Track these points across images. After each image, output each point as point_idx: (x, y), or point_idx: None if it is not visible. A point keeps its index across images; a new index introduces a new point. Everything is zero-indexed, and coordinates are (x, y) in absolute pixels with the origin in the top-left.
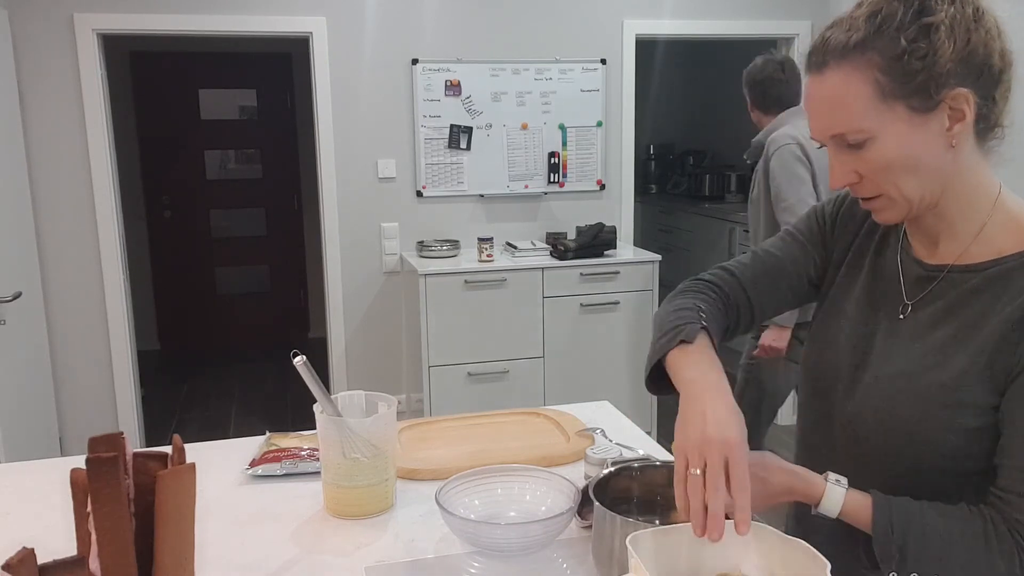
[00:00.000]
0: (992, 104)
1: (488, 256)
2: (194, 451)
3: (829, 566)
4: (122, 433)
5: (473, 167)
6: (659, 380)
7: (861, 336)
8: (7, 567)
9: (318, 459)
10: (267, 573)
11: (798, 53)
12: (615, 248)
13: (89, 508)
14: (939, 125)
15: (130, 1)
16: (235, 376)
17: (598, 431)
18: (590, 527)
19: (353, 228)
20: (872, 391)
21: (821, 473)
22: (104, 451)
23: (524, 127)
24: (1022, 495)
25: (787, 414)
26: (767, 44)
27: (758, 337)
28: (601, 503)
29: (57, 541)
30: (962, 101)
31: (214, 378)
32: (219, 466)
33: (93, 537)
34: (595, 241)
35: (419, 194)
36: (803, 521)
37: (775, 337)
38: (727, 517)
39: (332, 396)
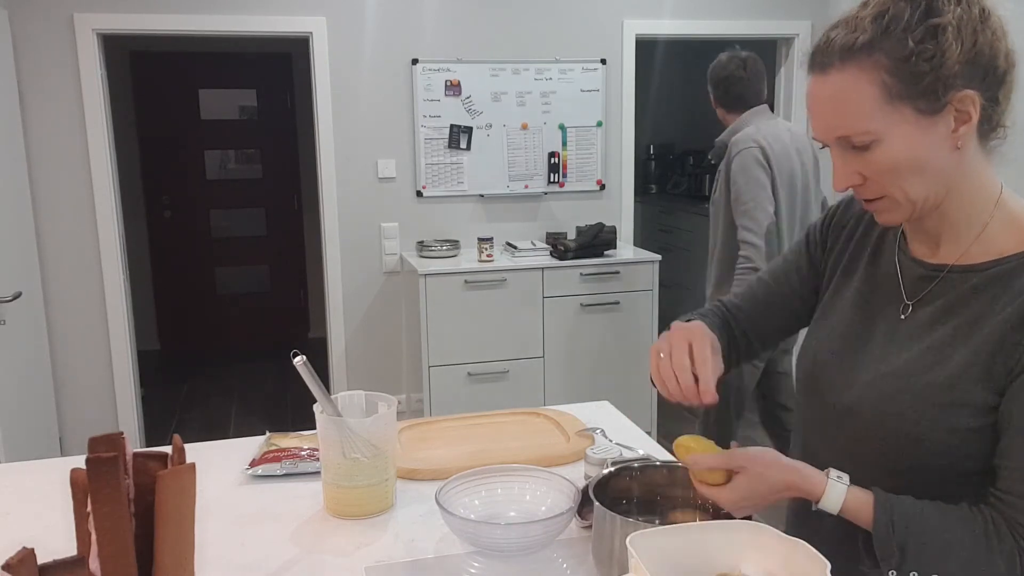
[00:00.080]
0: (996, 105)
1: (488, 256)
2: (194, 451)
3: (829, 566)
4: (122, 433)
5: (473, 167)
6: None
7: (858, 337)
8: (7, 567)
9: (318, 459)
10: (267, 573)
11: (798, 53)
12: (615, 248)
13: (89, 508)
14: (945, 127)
15: (130, 1)
16: (235, 376)
17: (598, 431)
18: (590, 527)
19: (353, 228)
20: (870, 390)
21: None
22: (104, 451)
23: (524, 127)
24: (1021, 495)
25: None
26: (767, 44)
27: (760, 359)
28: (601, 503)
29: (57, 541)
30: (968, 103)
31: (214, 378)
32: (219, 466)
33: (93, 537)
34: (595, 241)
35: (419, 194)
36: (803, 521)
37: None
38: (723, 515)
39: (332, 396)
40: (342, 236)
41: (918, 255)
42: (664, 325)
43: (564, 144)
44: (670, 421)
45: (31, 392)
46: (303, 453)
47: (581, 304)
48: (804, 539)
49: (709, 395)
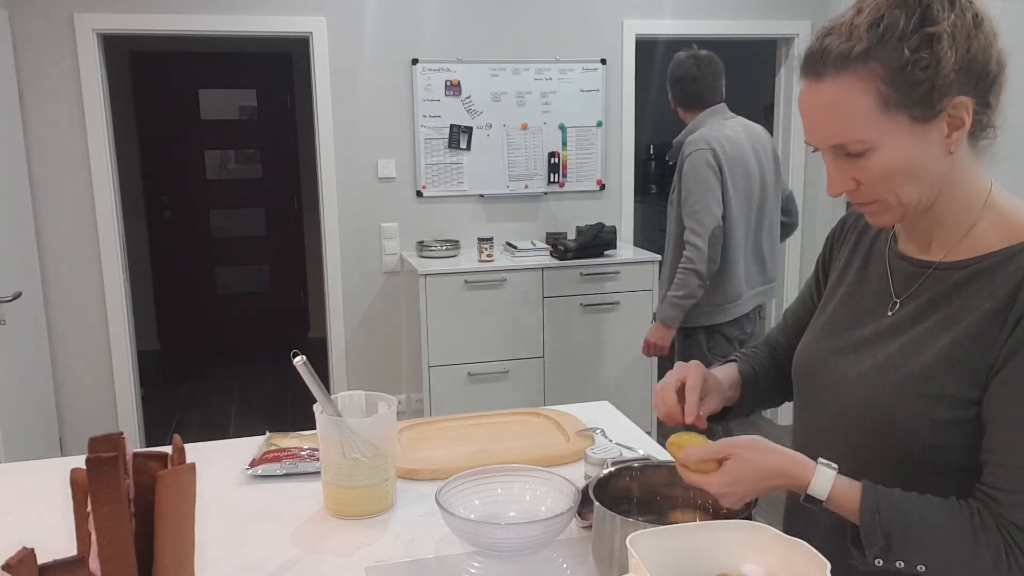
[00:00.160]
0: (987, 108)
1: (488, 256)
2: (194, 451)
3: (829, 566)
4: (122, 433)
5: (473, 167)
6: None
7: (848, 335)
8: (7, 567)
9: (318, 459)
10: (267, 573)
11: (798, 53)
12: (615, 248)
13: (89, 508)
14: (938, 133)
15: (130, 1)
16: (235, 376)
17: (598, 431)
18: (590, 527)
19: (353, 228)
20: (857, 387)
21: None
22: (104, 451)
23: (524, 127)
24: (1006, 490)
25: (786, 414)
26: (767, 44)
27: (724, 356)
28: (601, 503)
29: (57, 541)
30: (962, 110)
31: (214, 378)
32: (219, 466)
33: (93, 537)
34: (595, 241)
35: (419, 194)
36: (802, 520)
37: (658, 336)
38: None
39: (332, 396)
40: (342, 236)
41: (908, 253)
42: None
43: (564, 144)
44: None
45: (31, 392)
46: (303, 453)
47: (581, 304)
48: (803, 539)
49: (690, 417)
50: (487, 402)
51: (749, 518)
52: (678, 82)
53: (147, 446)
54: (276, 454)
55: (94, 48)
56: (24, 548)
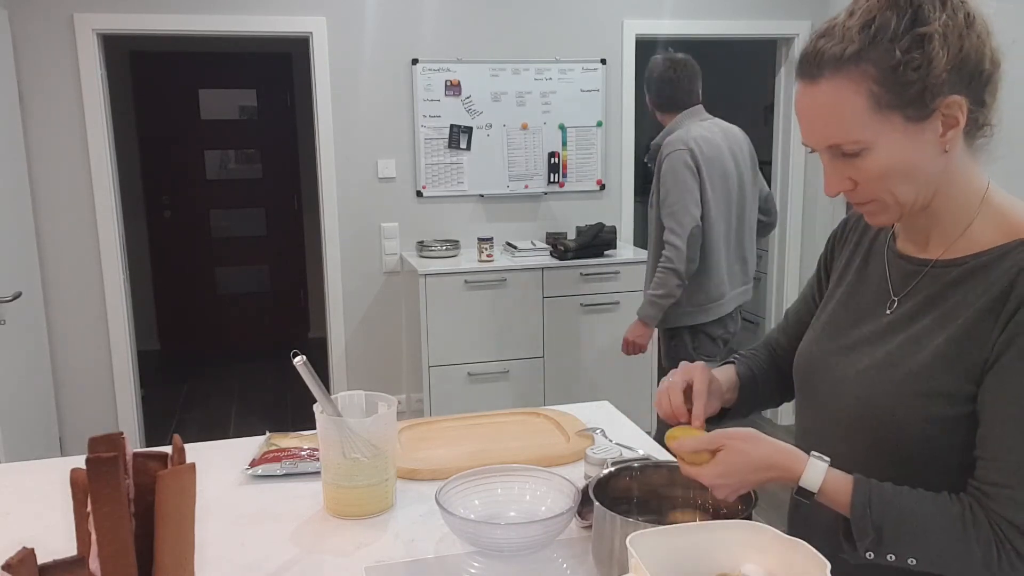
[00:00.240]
0: (982, 106)
1: (488, 256)
2: (194, 451)
3: (829, 566)
4: (122, 433)
5: (473, 167)
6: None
7: (847, 334)
8: (7, 567)
9: (318, 459)
10: (267, 573)
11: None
12: (615, 248)
13: (89, 508)
14: (933, 132)
15: (130, 1)
16: (235, 376)
17: (598, 431)
18: (590, 527)
19: (353, 228)
20: (855, 385)
21: None
22: (104, 451)
23: (524, 127)
24: (998, 485)
25: (787, 414)
26: (767, 44)
27: (710, 356)
28: (601, 503)
29: (57, 541)
30: (956, 108)
31: (214, 378)
32: (219, 466)
33: (93, 537)
34: (595, 241)
35: (419, 194)
36: (803, 520)
37: (637, 334)
38: (723, 515)
39: (332, 396)
40: (342, 236)
41: (906, 251)
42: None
43: (564, 144)
44: None
45: (31, 392)
46: (303, 453)
47: (581, 304)
48: (804, 539)
49: (697, 421)
50: (487, 402)
51: (749, 518)
52: (653, 85)
53: (147, 446)
54: (276, 454)
55: (94, 48)
56: (24, 548)
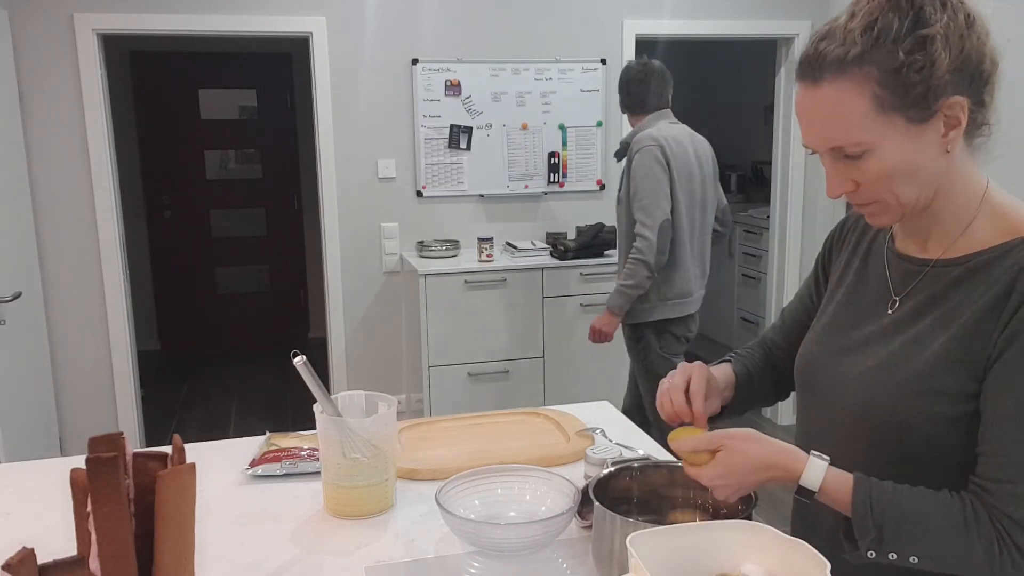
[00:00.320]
0: (982, 106)
1: (488, 256)
2: (194, 451)
3: (829, 566)
4: (122, 433)
5: (473, 167)
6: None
7: (848, 335)
8: (7, 567)
9: (318, 459)
10: (267, 573)
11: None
12: (615, 248)
13: (89, 508)
14: (935, 133)
15: (130, 1)
16: (235, 376)
17: (598, 431)
18: (590, 527)
19: (353, 228)
20: (857, 386)
21: None
22: (104, 451)
23: (524, 127)
24: (999, 480)
25: (788, 414)
26: (767, 44)
27: (676, 353)
28: (601, 503)
29: (57, 541)
30: (958, 109)
31: (214, 378)
32: (219, 466)
33: (93, 537)
34: (595, 241)
35: (419, 194)
36: (805, 521)
37: (604, 322)
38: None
39: (332, 396)
40: (342, 236)
41: (906, 251)
42: None
43: (564, 144)
44: None
45: (31, 392)
46: (303, 453)
47: (581, 304)
48: (805, 539)
49: (699, 420)
50: (487, 402)
51: (749, 518)
52: (625, 86)
53: (147, 446)
54: (276, 454)
55: (94, 48)
56: (24, 548)
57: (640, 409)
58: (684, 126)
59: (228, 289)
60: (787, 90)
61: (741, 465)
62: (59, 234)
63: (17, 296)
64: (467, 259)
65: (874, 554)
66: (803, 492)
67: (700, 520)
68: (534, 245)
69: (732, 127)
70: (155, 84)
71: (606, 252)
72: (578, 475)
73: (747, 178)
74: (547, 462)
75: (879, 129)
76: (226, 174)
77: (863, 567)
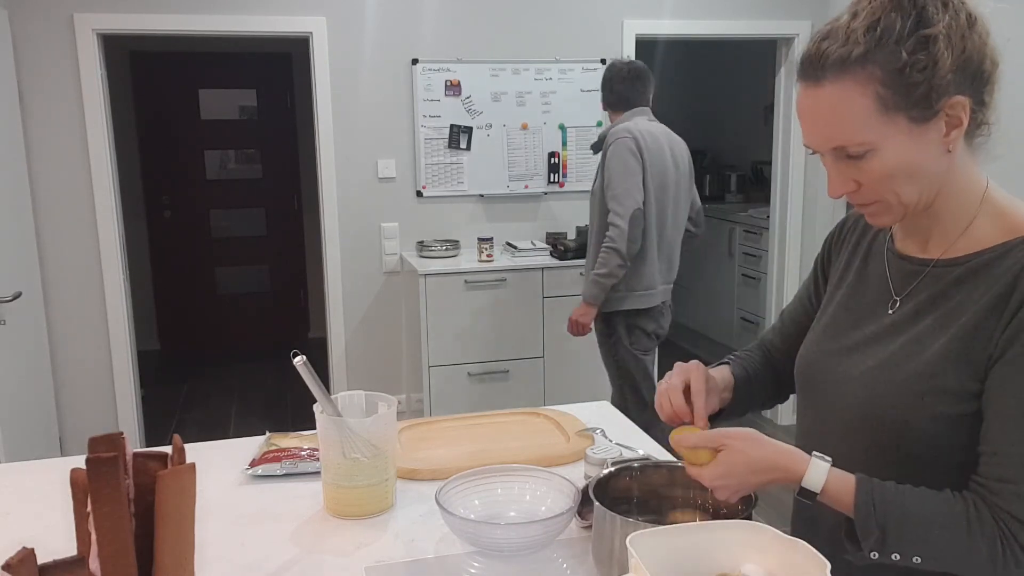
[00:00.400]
0: (982, 105)
1: (488, 256)
2: (194, 451)
3: (829, 566)
4: (122, 433)
5: (473, 167)
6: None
7: (848, 335)
8: (7, 567)
9: (318, 459)
10: (267, 573)
11: (798, 54)
12: None
13: (89, 508)
14: (936, 133)
15: (130, 1)
16: (235, 376)
17: (598, 431)
18: (590, 527)
19: (353, 228)
20: (858, 386)
21: None
22: (104, 451)
23: (524, 127)
24: (1002, 480)
25: (788, 414)
26: (767, 44)
27: (646, 350)
28: (601, 503)
29: (57, 541)
30: (960, 109)
31: (214, 378)
32: (219, 466)
33: (93, 537)
34: None
35: (419, 194)
36: (805, 522)
37: (581, 313)
38: (723, 515)
39: (332, 396)
40: (342, 236)
41: (906, 251)
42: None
43: (564, 144)
44: None
45: (31, 392)
46: (303, 453)
47: None
48: (805, 539)
49: (700, 421)
50: (487, 402)
51: (749, 518)
52: (608, 83)
53: (147, 446)
54: (276, 454)
55: (94, 48)
56: (24, 548)
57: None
58: (662, 125)
59: (228, 289)
60: (787, 90)
61: (742, 466)
62: (59, 234)
63: (17, 296)
64: (467, 259)
65: (877, 555)
66: (805, 494)
67: (700, 520)
68: (534, 245)
69: (732, 127)
70: (155, 84)
71: None
72: (578, 475)
73: (747, 178)
74: (547, 462)
75: (881, 129)
76: (226, 174)
77: (864, 567)
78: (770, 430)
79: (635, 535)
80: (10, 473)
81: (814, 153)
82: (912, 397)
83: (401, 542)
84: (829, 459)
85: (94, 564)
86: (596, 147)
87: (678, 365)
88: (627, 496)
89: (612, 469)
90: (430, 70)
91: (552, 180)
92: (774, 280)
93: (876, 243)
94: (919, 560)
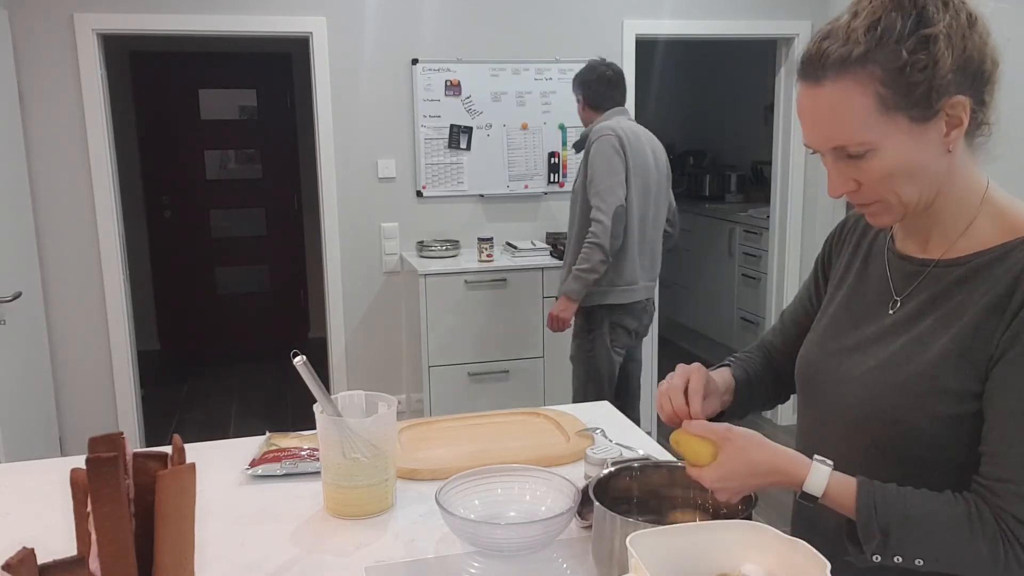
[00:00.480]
0: (982, 105)
1: (488, 256)
2: (194, 451)
3: (829, 566)
4: (122, 433)
5: (473, 167)
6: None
7: (849, 336)
8: (7, 567)
9: (318, 459)
10: (267, 573)
11: (799, 53)
12: None
13: (89, 508)
14: (937, 132)
15: (130, 1)
16: (235, 376)
17: (598, 431)
18: (590, 527)
19: (353, 228)
20: (858, 386)
21: None
22: (104, 451)
23: (524, 127)
24: (1003, 480)
25: (788, 414)
26: (767, 44)
27: (623, 347)
28: (601, 503)
29: (57, 541)
30: (960, 109)
31: (214, 378)
32: (219, 466)
33: (93, 537)
34: None
35: (419, 194)
36: (805, 522)
37: (561, 308)
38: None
39: (332, 396)
40: (342, 236)
41: (907, 252)
42: (664, 324)
43: (564, 144)
44: None
45: (31, 392)
46: (303, 453)
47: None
48: (805, 539)
49: (696, 420)
50: (487, 402)
51: (749, 518)
52: (593, 83)
53: (147, 446)
54: (276, 454)
55: (94, 48)
56: (24, 548)
57: (617, 397)
58: (640, 126)
59: (228, 289)
60: (787, 90)
61: (743, 468)
62: (59, 234)
63: (17, 296)
64: (467, 259)
65: (879, 558)
66: (806, 498)
67: (700, 520)
68: (534, 245)
69: (732, 127)
70: (155, 84)
71: None
72: (578, 475)
73: (747, 178)
74: (547, 462)
75: (882, 128)
76: (226, 174)
77: (865, 568)
78: (770, 430)
79: (635, 535)
80: (10, 473)
81: (814, 153)
82: (913, 397)
83: (401, 542)
84: (830, 463)
85: (94, 564)
86: (579, 146)
87: (680, 366)
88: (627, 496)
89: (612, 469)
90: (430, 70)
91: (552, 180)
92: (774, 280)
93: (877, 243)
94: (921, 562)
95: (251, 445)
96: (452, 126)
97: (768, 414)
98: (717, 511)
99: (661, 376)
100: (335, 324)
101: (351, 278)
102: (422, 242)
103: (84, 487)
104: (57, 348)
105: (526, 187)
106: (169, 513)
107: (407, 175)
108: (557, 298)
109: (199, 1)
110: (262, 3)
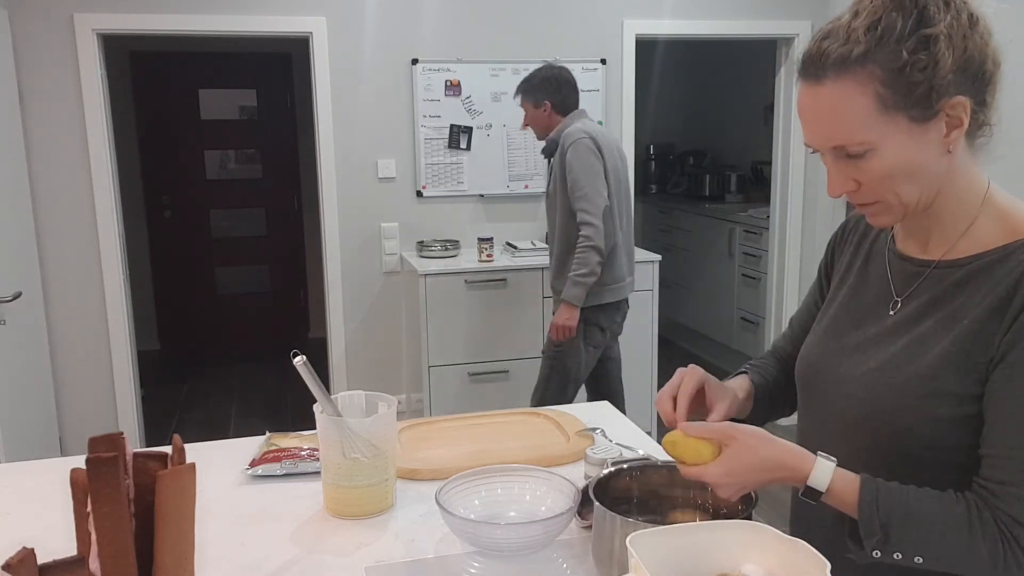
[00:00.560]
0: (983, 106)
1: (488, 256)
2: (194, 451)
3: (829, 566)
4: (122, 433)
5: (473, 167)
6: None
7: (849, 336)
8: (7, 567)
9: (318, 459)
10: (267, 573)
11: (799, 53)
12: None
13: (89, 508)
14: (937, 133)
15: (130, 1)
16: (235, 376)
17: (598, 431)
18: (590, 527)
19: (353, 228)
20: (858, 387)
21: None
22: (104, 451)
23: (524, 127)
24: (1003, 483)
25: None
26: (767, 44)
27: (597, 346)
28: (601, 503)
29: (57, 541)
30: (960, 109)
31: (214, 378)
32: (219, 466)
33: (93, 537)
34: None
35: (419, 194)
36: (804, 521)
37: (566, 316)
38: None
39: (332, 396)
40: (342, 236)
41: (907, 252)
42: (664, 324)
43: None
44: None
45: (31, 392)
46: (303, 453)
47: None
48: (805, 539)
49: (680, 419)
50: (487, 402)
51: (749, 518)
52: (563, 87)
53: (147, 446)
54: (276, 454)
55: (94, 48)
56: (24, 548)
57: (599, 396)
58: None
59: (228, 289)
60: (787, 90)
61: (749, 463)
62: (59, 234)
63: (17, 296)
64: (467, 259)
65: (879, 554)
66: (809, 493)
67: (700, 520)
68: (534, 245)
69: (732, 127)
70: (155, 84)
71: None
72: (578, 475)
73: (747, 178)
74: (547, 462)
75: (881, 128)
76: (226, 174)
77: (864, 566)
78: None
79: (635, 535)
80: (10, 473)
81: (814, 152)
82: (912, 399)
83: (401, 542)
84: (834, 459)
85: (94, 564)
86: (548, 151)
87: (680, 369)
88: (627, 496)
89: (612, 469)
90: (430, 70)
91: None
92: (774, 280)
93: (877, 244)
94: (921, 560)
95: (251, 445)
96: (452, 126)
97: None
98: (717, 511)
99: (661, 376)
100: (335, 324)
101: (351, 278)
102: (422, 242)
103: (84, 487)
104: (57, 348)
105: (526, 187)
106: (169, 513)
107: (407, 175)
108: (555, 308)
109: (199, 1)
110: (262, 3)
